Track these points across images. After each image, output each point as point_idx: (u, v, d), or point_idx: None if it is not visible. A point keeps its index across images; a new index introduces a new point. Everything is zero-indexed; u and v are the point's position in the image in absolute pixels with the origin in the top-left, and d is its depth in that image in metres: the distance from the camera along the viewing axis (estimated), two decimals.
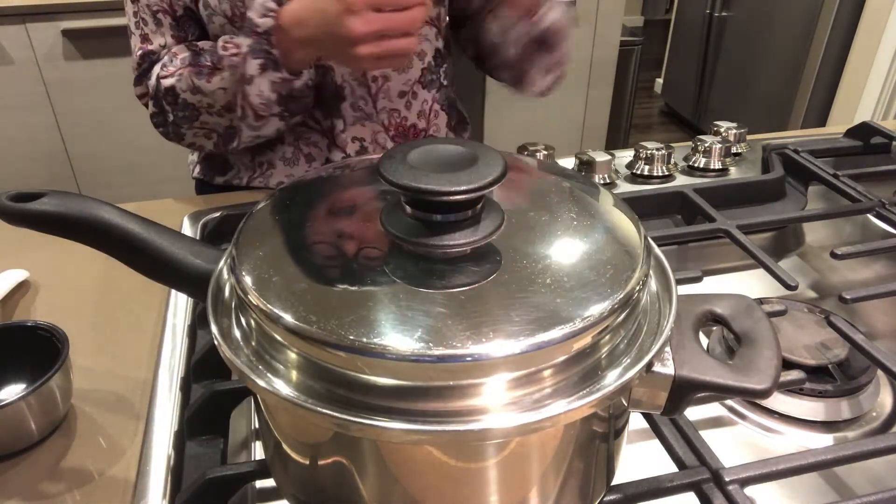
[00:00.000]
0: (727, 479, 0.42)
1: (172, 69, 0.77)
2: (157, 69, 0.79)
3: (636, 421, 0.50)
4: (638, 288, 0.34)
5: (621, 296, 0.33)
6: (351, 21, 0.63)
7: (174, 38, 0.80)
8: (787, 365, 0.53)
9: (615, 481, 0.41)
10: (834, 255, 0.65)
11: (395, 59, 0.69)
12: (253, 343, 0.35)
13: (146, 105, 0.83)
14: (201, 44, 0.78)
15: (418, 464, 0.33)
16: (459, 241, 0.35)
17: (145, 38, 0.80)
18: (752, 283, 0.70)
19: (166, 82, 0.77)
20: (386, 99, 0.87)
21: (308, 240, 0.37)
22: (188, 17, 0.80)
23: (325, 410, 0.30)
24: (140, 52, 0.80)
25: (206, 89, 0.75)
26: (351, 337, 0.30)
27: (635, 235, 0.38)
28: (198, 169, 0.95)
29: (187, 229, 0.74)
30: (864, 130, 0.88)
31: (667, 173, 0.84)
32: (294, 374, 0.33)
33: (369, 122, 0.86)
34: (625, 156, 0.88)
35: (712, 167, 0.86)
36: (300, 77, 0.74)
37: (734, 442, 0.51)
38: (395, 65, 0.68)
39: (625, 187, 0.82)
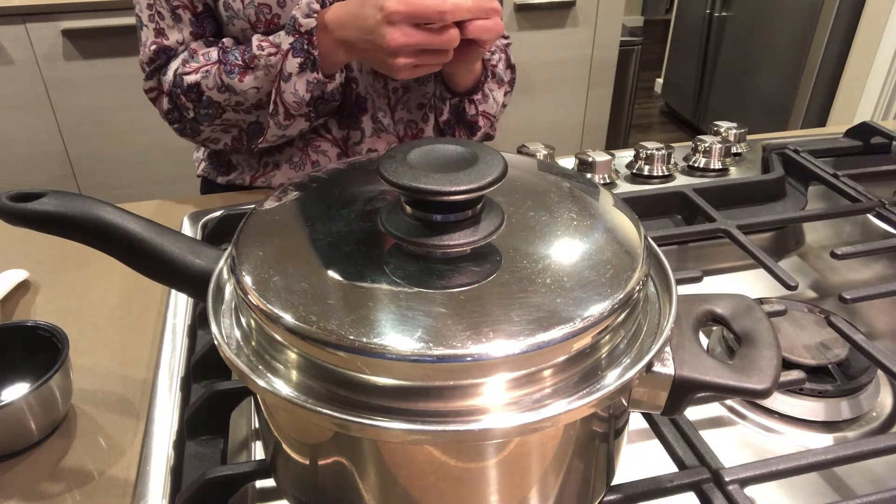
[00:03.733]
0: (727, 479, 0.42)
1: (196, 65, 0.76)
2: (174, 65, 0.78)
3: (636, 421, 0.50)
4: (638, 288, 0.34)
5: (621, 296, 0.33)
6: (389, 32, 0.64)
7: (192, 34, 0.79)
8: (787, 365, 0.53)
9: (615, 481, 0.41)
10: (834, 255, 0.65)
11: (430, 69, 0.70)
12: (253, 343, 0.35)
13: (153, 100, 0.82)
14: (226, 41, 0.78)
15: (418, 464, 0.33)
16: (459, 241, 0.35)
17: (160, 33, 0.79)
18: (752, 283, 0.70)
19: (189, 79, 0.76)
20: (405, 110, 0.87)
21: (308, 240, 0.37)
22: (207, 14, 0.79)
23: (325, 410, 0.30)
24: (154, 46, 0.79)
25: (238, 88, 0.74)
26: (351, 337, 0.30)
27: (635, 235, 0.38)
28: (202, 166, 0.94)
29: (187, 229, 0.74)
30: (864, 130, 0.88)
31: (667, 173, 0.84)
32: (294, 374, 0.33)
33: (385, 134, 0.86)
34: (625, 156, 0.88)
35: (712, 167, 0.86)
36: (333, 80, 0.75)
37: (734, 442, 0.51)
38: (429, 71, 0.70)
39: (625, 187, 0.82)
